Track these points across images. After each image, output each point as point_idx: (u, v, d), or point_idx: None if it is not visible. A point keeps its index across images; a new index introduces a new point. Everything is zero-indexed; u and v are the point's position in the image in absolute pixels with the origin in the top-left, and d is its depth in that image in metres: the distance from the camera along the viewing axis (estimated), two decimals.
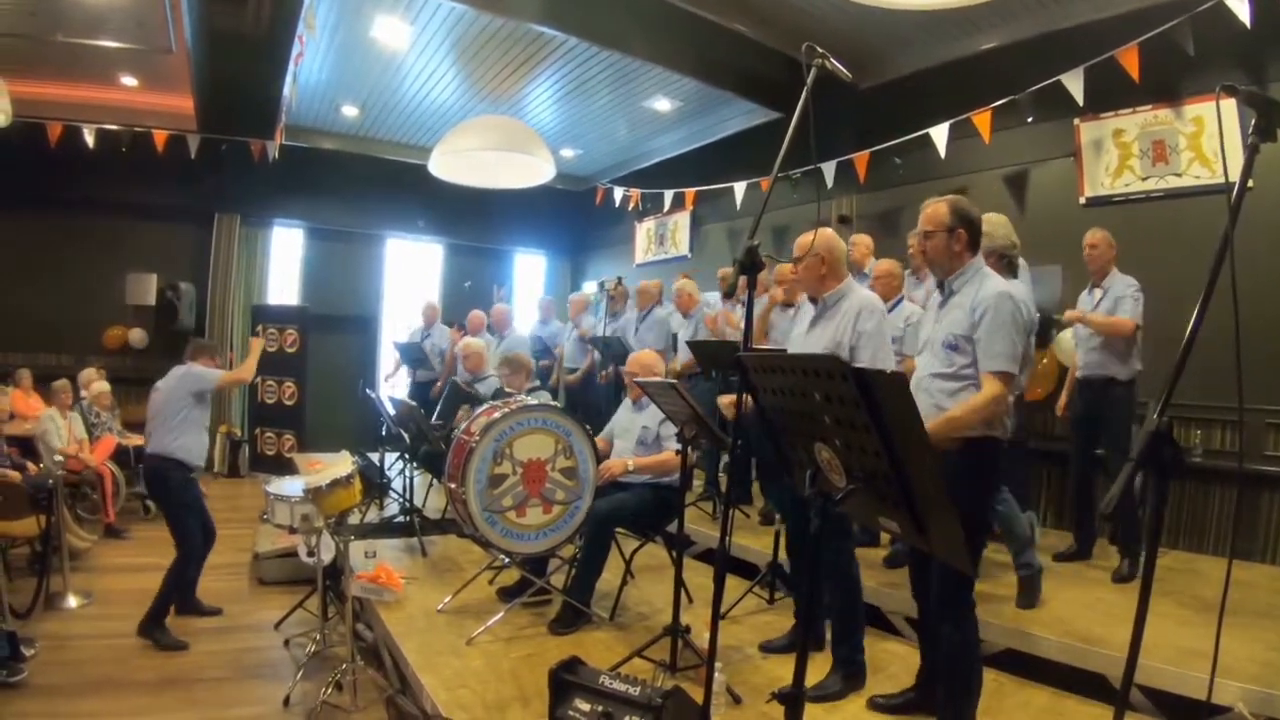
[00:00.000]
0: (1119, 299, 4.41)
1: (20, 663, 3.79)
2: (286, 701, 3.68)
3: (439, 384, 7.88)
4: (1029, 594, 3.78)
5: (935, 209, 2.81)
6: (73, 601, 4.86)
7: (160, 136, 8.36)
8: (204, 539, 4.68)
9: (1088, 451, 4.62)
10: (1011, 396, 2.73)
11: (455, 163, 7.09)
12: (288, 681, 3.83)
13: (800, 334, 3.44)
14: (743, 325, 5.16)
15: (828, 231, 3.39)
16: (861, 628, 3.32)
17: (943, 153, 6.19)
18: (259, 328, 8.86)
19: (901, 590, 3.91)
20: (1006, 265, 3.76)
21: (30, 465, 5.78)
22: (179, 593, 4.62)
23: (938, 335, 2.81)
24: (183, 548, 4.50)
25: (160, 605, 4.38)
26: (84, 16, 6.29)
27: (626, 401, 4.49)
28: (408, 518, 5.73)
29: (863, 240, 5.45)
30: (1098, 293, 4.56)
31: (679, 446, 3.42)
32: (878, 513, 1.62)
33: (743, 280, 2.36)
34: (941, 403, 2.73)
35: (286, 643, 4.43)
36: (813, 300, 3.36)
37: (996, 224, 3.84)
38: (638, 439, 4.18)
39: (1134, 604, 1.33)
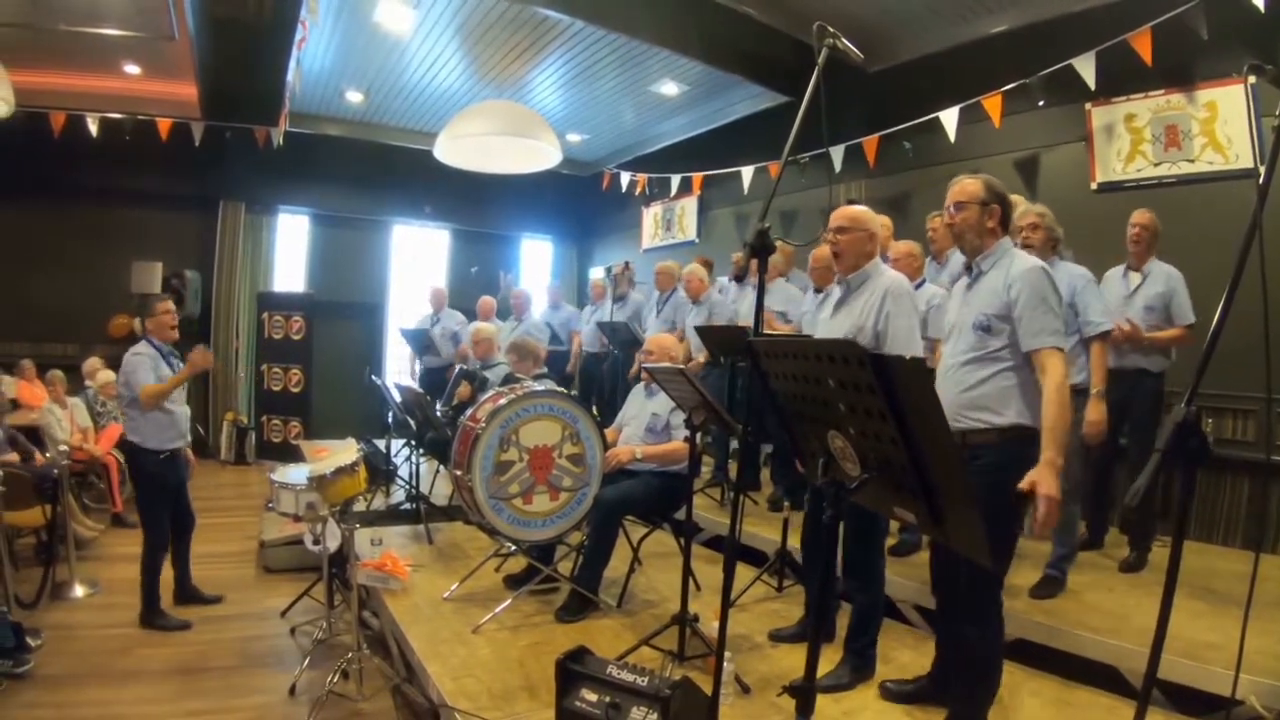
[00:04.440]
0: (1171, 296, 4.17)
1: (26, 653, 3.79)
2: (293, 690, 3.68)
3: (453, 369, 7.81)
4: (1048, 588, 3.73)
5: (968, 183, 2.72)
6: (79, 591, 4.86)
7: (164, 124, 8.35)
8: (177, 528, 4.61)
9: (1109, 442, 4.23)
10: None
11: (461, 148, 7.03)
12: (294, 670, 3.83)
13: (825, 318, 3.38)
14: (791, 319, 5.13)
15: (865, 209, 3.34)
16: (880, 622, 3.28)
17: (952, 137, 6.12)
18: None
19: (910, 579, 3.90)
20: (1056, 253, 3.75)
21: (38, 455, 5.79)
22: (176, 578, 4.65)
23: (967, 317, 2.69)
24: (144, 535, 4.43)
25: (147, 594, 4.39)
26: (85, 4, 6.24)
27: (639, 387, 4.45)
28: (414, 505, 5.73)
29: (886, 222, 5.36)
30: (1135, 277, 4.30)
31: (687, 434, 3.39)
32: (893, 503, 1.58)
33: (753, 263, 2.30)
34: (971, 391, 2.62)
35: (293, 631, 4.43)
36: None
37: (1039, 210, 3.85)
38: (646, 425, 4.16)
39: (1145, 595, 1.31)
